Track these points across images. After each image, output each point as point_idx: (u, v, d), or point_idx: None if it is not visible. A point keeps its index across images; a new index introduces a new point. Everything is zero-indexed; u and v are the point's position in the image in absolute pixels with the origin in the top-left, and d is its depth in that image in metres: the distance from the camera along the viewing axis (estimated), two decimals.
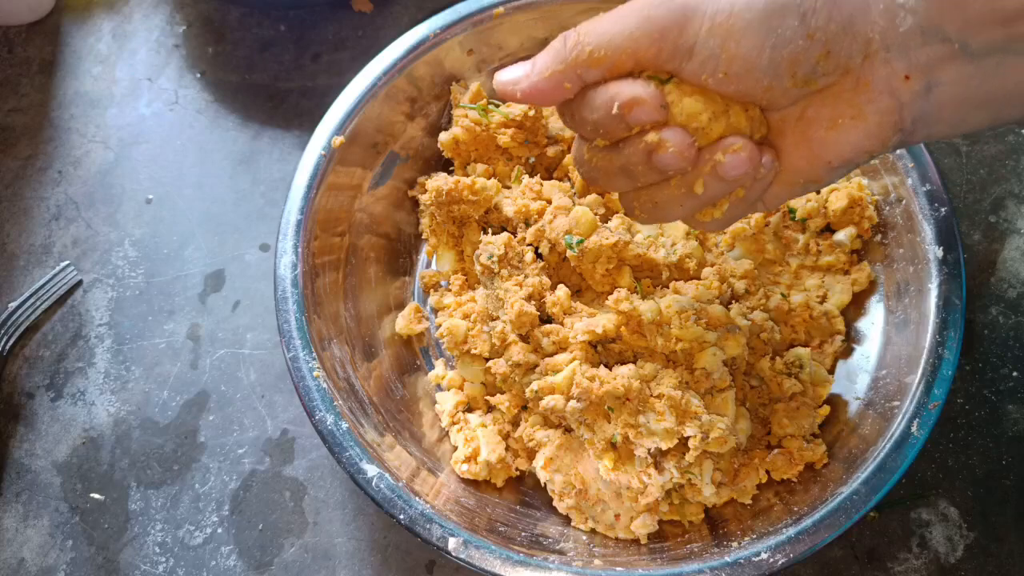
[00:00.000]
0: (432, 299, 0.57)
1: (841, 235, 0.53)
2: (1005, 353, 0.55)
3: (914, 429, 0.44)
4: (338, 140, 0.54)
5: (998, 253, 0.58)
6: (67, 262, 0.62)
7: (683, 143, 0.35)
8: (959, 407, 0.53)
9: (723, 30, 0.33)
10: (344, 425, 0.46)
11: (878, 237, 0.53)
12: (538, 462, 0.48)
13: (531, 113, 0.56)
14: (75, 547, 0.53)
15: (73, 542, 0.53)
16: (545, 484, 0.49)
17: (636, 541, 0.46)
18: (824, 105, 0.35)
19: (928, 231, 0.49)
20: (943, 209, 0.49)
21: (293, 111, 0.67)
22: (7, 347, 0.59)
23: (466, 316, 0.52)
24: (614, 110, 0.35)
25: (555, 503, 0.48)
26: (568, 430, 0.48)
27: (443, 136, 0.57)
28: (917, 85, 0.33)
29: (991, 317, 0.56)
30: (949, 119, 0.35)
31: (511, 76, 0.37)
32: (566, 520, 0.48)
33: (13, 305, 0.60)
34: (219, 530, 0.53)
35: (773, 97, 0.34)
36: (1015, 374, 0.54)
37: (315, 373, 0.47)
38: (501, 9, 0.57)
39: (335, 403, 0.47)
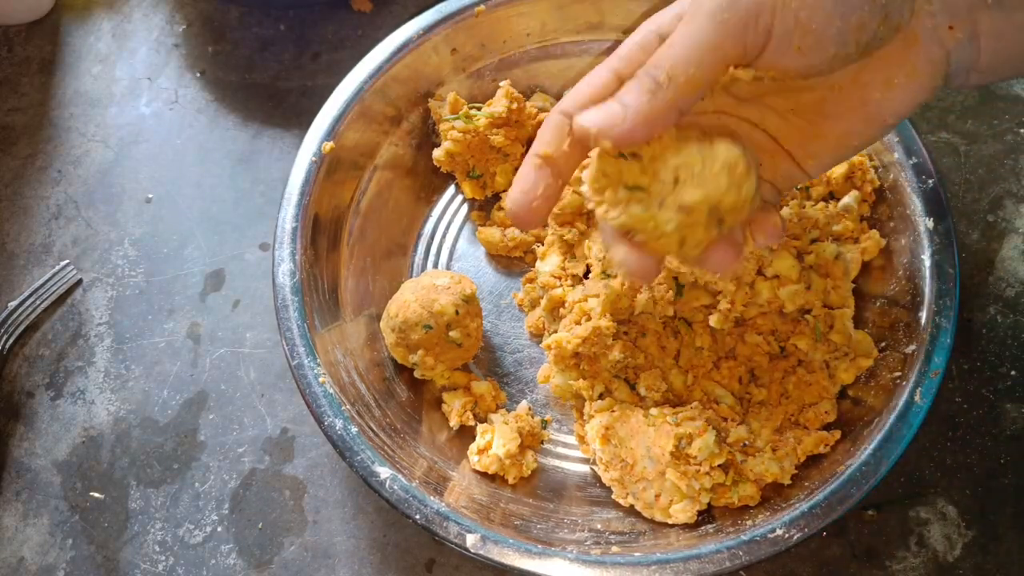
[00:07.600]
0: None
1: (848, 199, 0.52)
2: (1003, 352, 0.55)
3: (917, 398, 0.45)
4: (328, 146, 0.54)
5: (996, 252, 0.58)
6: (67, 261, 0.62)
7: None
8: (957, 406, 0.53)
9: (794, 7, 0.33)
10: (353, 429, 0.46)
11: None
12: (594, 429, 0.48)
13: (514, 107, 0.56)
14: (75, 546, 0.53)
15: (73, 541, 0.53)
16: (595, 454, 0.48)
17: (663, 524, 0.46)
18: (878, 69, 0.36)
19: (917, 203, 0.50)
20: (930, 181, 0.50)
21: (293, 111, 0.67)
22: (7, 346, 0.59)
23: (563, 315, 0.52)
24: None
25: (600, 473, 0.48)
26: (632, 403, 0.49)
27: (437, 153, 0.57)
28: (961, 34, 0.35)
29: (989, 316, 0.56)
30: (988, 67, 0.36)
31: (600, 122, 0.34)
32: (580, 510, 0.49)
33: (13, 304, 0.60)
34: (219, 529, 0.53)
35: (834, 66, 0.35)
36: (1013, 373, 0.54)
37: (321, 380, 0.47)
38: (482, 7, 0.58)
39: (343, 408, 0.47)
